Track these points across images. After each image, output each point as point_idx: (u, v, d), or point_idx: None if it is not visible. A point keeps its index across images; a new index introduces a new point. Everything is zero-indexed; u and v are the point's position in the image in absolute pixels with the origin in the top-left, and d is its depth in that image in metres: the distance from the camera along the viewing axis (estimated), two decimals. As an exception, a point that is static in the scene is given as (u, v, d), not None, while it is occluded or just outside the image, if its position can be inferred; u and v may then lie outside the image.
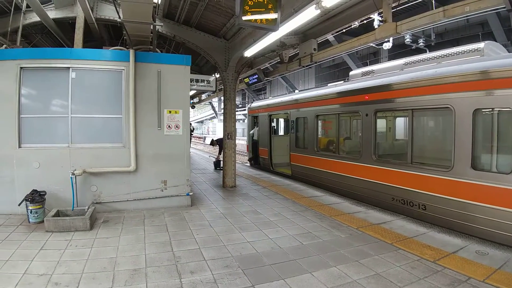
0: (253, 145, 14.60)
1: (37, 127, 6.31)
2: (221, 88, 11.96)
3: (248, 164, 15.63)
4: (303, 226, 5.80)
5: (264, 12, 4.85)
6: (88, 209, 5.83)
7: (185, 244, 4.88)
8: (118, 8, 5.85)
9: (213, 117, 57.41)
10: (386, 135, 8.90)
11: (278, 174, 12.11)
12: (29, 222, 5.60)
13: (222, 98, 11.19)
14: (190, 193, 7.11)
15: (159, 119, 6.82)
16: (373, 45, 13.77)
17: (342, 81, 10.16)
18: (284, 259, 4.41)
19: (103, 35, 9.76)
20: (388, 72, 7.74)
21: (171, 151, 6.95)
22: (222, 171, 9.69)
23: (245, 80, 14.39)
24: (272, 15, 4.89)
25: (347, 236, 5.35)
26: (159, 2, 7.54)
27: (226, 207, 7.12)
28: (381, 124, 8.52)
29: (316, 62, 9.46)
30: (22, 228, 5.38)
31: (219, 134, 35.37)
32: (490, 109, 5.41)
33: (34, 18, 7.74)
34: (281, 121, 15.12)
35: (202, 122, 71.56)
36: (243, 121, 44.02)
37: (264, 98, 24.17)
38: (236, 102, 11.27)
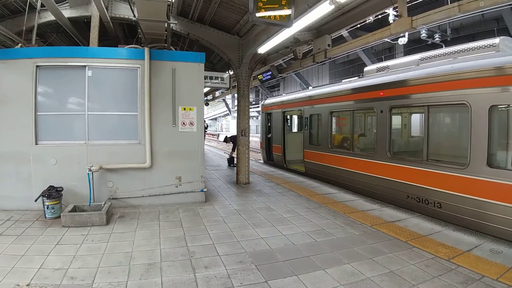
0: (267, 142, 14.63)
1: (54, 125, 6.45)
2: (235, 85, 12.00)
3: (262, 161, 15.65)
4: (316, 223, 5.79)
5: (278, 8, 4.84)
6: (104, 204, 5.95)
7: (199, 240, 4.94)
8: (132, 7, 5.92)
9: (227, 114, 57.55)
10: (401, 132, 8.77)
11: (292, 171, 12.08)
12: (45, 217, 5.73)
13: (236, 95, 11.23)
14: (204, 189, 7.18)
15: (173, 116, 6.90)
16: (388, 40, 13.59)
17: (356, 77, 10.04)
18: (297, 255, 4.42)
19: (118, 34, 9.88)
20: (403, 67, 7.61)
21: (185, 148, 7.03)
22: (235, 168, 9.73)
23: (258, 77, 14.37)
24: (286, 11, 4.87)
25: (361, 233, 5.32)
26: (173, 0, 7.59)
27: (240, 204, 7.16)
28: (396, 120, 8.40)
29: (330, 58, 9.40)
30: (38, 224, 5.52)
31: (233, 131, 35.48)
32: (506, 106, 5.28)
33: (49, 17, 7.89)
34: (295, 117, 15.06)
35: (215, 119, 71.81)
36: (257, 118, 44.00)
37: (278, 95, 24.11)
38: (250, 99, 11.30)
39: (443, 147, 6.99)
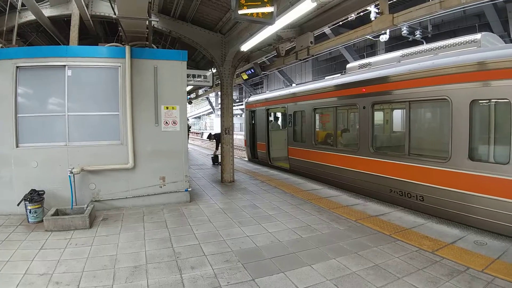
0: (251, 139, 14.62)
1: (34, 126, 6.28)
2: (218, 83, 11.93)
3: (246, 159, 15.64)
4: (302, 219, 5.83)
5: (260, 5, 4.83)
6: (87, 207, 5.83)
7: (185, 240, 4.90)
8: (113, 4, 5.79)
9: (211, 113, 57.34)
10: (384, 127, 8.91)
11: (276, 168, 12.12)
12: (28, 222, 5.59)
13: (219, 93, 11.16)
14: (188, 189, 7.12)
15: (156, 116, 6.80)
16: (370, 37, 13.75)
17: (339, 74, 10.14)
18: (283, 252, 4.43)
19: (99, 32, 9.70)
20: (385, 64, 7.72)
21: (169, 147, 6.94)
22: (220, 166, 9.69)
23: (242, 75, 14.34)
24: (269, 9, 4.88)
25: (345, 228, 5.38)
26: (155, -3, 7.48)
27: (225, 202, 7.14)
28: (379, 116, 8.52)
29: (313, 55, 9.41)
30: (22, 228, 5.37)
31: (217, 129, 35.35)
32: (487, 100, 5.43)
33: (30, 16, 7.70)
34: (279, 115, 15.09)
35: (199, 117, 71.44)
36: (241, 115, 43.96)
37: (261, 93, 24.12)
38: (233, 96, 11.25)
39: (424, 141, 7.13)
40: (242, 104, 35.04)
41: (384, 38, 16.61)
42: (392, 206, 6.66)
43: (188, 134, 14.73)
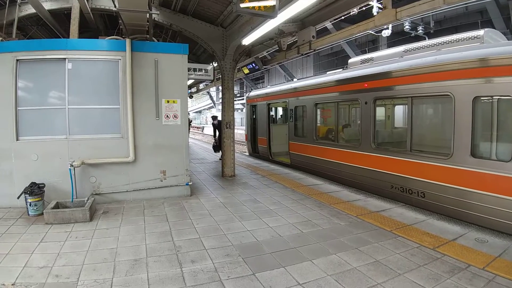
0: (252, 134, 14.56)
1: (35, 120, 6.25)
2: (219, 77, 11.86)
3: (247, 154, 15.63)
4: (302, 215, 5.82)
5: (262, -2, 4.78)
6: (87, 200, 5.83)
7: (185, 234, 4.90)
8: (113, -3, 5.75)
9: (211, 107, 57.21)
10: (386, 123, 8.87)
11: (277, 163, 12.11)
12: (28, 215, 5.59)
13: (220, 87, 11.11)
14: (189, 183, 7.11)
15: (157, 109, 6.78)
16: (372, 32, 13.66)
17: (341, 69, 10.08)
18: (284, 247, 4.43)
19: (99, 25, 9.63)
20: (387, 59, 7.67)
21: (169, 141, 6.93)
22: (221, 160, 9.67)
23: (243, 69, 14.28)
24: (271, 2, 4.83)
25: (346, 224, 5.38)
26: (155, -11, 7.43)
27: (226, 196, 7.13)
28: (381, 112, 8.48)
29: (314, 50, 9.35)
30: (22, 221, 5.37)
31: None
32: (490, 97, 5.38)
33: (30, 10, 7.66)
34: (280, 109, 15.05)
35: (200, 112, 71.37)
36: (241, 110, 43.89)
37: (263, 87, 24.06)
38: (234, 91, 11.20)
39: (426, 137, 7.09)
40: (243, 99, 34.97)
41: (386, 33, 16.51)
42: (393, 202, 6.65)
43: (189, 129, 14.70)
